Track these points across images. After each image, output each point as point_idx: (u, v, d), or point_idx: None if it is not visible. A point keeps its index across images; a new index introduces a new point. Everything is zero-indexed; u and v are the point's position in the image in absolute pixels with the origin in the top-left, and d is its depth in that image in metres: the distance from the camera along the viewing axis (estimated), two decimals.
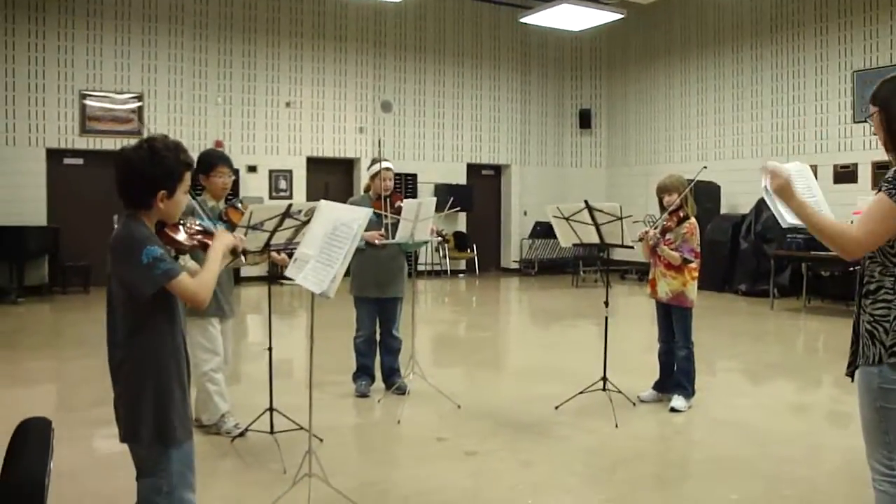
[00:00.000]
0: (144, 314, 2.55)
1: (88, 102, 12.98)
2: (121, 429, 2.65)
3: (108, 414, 2.73)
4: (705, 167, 6.10)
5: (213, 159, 4.98)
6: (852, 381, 2.90)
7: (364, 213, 3.44)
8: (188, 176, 2.63)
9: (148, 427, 2.58)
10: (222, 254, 2.72)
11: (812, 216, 2.80)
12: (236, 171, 13.73)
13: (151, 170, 2.51)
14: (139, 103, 13.37)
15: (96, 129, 12.99)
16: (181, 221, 2.75)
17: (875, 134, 2.84)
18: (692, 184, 5.61)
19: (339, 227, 3.44)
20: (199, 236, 2.78)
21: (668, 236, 5.59)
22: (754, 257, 12.80)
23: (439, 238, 6.09)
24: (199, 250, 2.75)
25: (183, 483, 2.69)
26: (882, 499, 2.82)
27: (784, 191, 2.81)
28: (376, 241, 5.64)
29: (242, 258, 2.89)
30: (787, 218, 2.96)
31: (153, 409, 2.58)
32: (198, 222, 2.90)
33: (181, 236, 2.69)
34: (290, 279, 3.60)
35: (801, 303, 11.64)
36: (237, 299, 12.20)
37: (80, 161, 13.01)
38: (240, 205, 4.98)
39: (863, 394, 2.83)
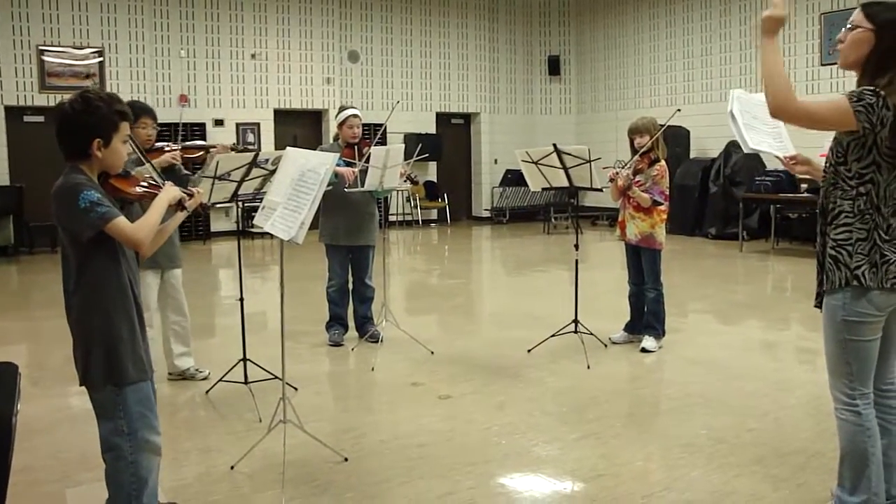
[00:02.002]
0: (88, 257, 2.61)
1: (47, 58, 12.64)
2: (78, 373, 2.71)
3: None
4: (679, 110, 6.08)
5: (136, 110, 4.92)
6: (821, 311, 2.95)
7: (331, 158, 3.41)
8: (125, 126, 2.68)
9: (99, 367, 2.64)
10: (166, 203, 2.77)
11: (777, 60, 2.74)
12: (202, 125, 13.67)
13: (85, 118, 2.58)
14: (100, 58, 13.04)
15: (56, 86, 12.65)
16: (127, 172, 2.82)
17: (839, 44, 2.82)
18: (664, 127, 5.61)
19: (306, 173, 3.41)
20: (146, 187, 2.86)
21: (638, 178, 5.61)
22: (723, 201, 12.91)
23: (409, 182, 6.03)
24: (146, 200, 2.81)
25: (144, 424, 2.72)
26: (843, 426, 2.91)
27: (774, 20, 2.72)
28: (349, 177, 5.57)
29: (188, 211, 2.93)
30: (750, 143, 3.01)
31: (103, 350, 2.63)
32: (147, 175, 2.96)
33: (127, 186, 2.78)
34: (259, 227, 3.59)
35: (770, 245, 11.80)
36: (206, 255, 12.14)
37: (40, 119, 12.68)
38: (158, 144, 4.97)
39: (827, 326, 2.89)
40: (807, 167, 3.13)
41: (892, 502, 2.98)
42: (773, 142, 3.13)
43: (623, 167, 5.68)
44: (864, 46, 2.73)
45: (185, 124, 13.41)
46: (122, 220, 2.57)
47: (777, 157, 3.15)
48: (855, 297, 2.78)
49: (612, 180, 5.61)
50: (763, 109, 3.14)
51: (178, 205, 2.87)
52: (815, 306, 3.01)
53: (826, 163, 2.90)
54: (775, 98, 2.72)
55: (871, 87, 2.65)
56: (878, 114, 2.61)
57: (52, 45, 12.68)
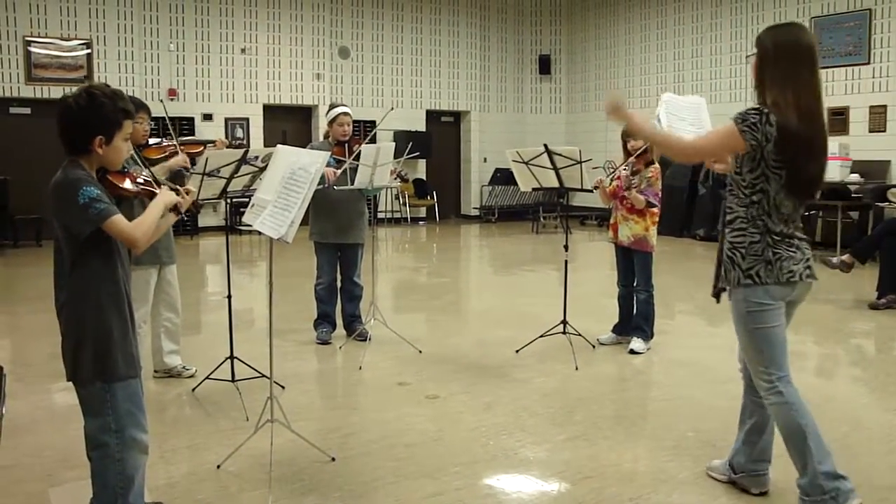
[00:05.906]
0: (83, 253, 2.59)
1: (33, 49, 12.53)
2: (66, 367, 2.68)
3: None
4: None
5: (133, 106, 4.87)
6: (717, 302, 3.29)
7: (322, 157, 3.39)
8: (128, 124, 2.67)
9: (89, 363, 2.62)
10: (163, 207, 2.76)
11: (645, 131, 3.26)
12: (191, 120, 13.60)
13: (88, 115, 2.57)
14: (87, 50, 12.94)
15: (43, 78, 12.57)
16: (125, 169, 2.81)
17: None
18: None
19: (296, 172, 3.38)
20: (142, 184, 2.85)
21: (634, 179, 5.60)
22: (712, 202, 12.92)
23: (399, 180, 5.98)
24: (145, 198, 2.80)
25: (132, 422, 2.69)
26: (773, 411, 3.12)
27: (617, 112, 3.17)
28: (330, 178, 5.52)
29: (182, 213, 2.92)
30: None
31: (93, 345, 2.61)
32: (144, 172, 2.99)
33: (125, 183, 2.76)
34: (248, 225, 3.56)
35: None
36: (194, 251, 12.08)
37: (27, 111, 12.60)
38: (153, 141, 4.93)
39: (736, 319, 3.17)
40: (724, 165, 3.36)
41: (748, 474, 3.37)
42: None
43: (615, 169, 5.68)
44: (755, 68, 3.05)
45: (173, 118, 13.34)
46: (119, 218, 2.56)
47: None
48: (753, 290, 3.04)
49: (596, 188, 5.61)
50: (689, 111, 3.51)
51: (174, 208, 2.85)
52: (713, 296, 3.32)
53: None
54: (670, 152, 3.27)
55: (756, 107, 2.95)
56: (762, 130, 2.90)
57: (39, 37, 12.57)
